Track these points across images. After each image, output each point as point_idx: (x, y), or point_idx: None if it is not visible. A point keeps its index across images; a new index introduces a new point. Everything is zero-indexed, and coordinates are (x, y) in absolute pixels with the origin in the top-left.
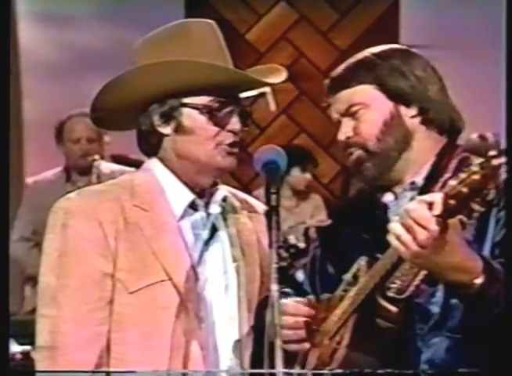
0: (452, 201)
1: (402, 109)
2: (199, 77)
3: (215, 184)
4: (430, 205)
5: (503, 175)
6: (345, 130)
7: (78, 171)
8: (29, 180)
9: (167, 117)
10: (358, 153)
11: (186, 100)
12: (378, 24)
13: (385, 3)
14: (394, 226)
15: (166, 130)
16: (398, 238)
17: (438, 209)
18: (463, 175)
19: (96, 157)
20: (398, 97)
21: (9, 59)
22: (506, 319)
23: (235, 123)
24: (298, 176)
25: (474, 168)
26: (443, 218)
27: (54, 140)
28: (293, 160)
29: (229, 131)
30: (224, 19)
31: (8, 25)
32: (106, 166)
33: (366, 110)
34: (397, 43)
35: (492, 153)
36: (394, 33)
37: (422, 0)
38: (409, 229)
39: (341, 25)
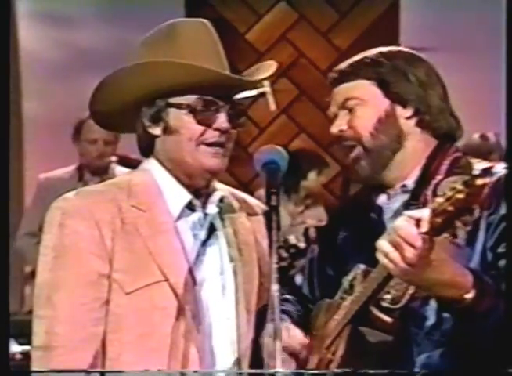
0: (438, 219)
1: (398, 109)
2: (178, 77)
3: (212, 184)
4: (418, 222)
5: (487, 194)
6: (339, 123)
7: (91, 171)
8: (41, 176)
9: (155, 119)
10: (356, 150)
11: (172, 100)
12: (378, 24)
13: (385, 3)
14: (382, 244)
15: (156, 131)
16: (386, 255)
17: (424, 227)
18: (449, 193)
19: (114, 158)
20: (395, 96)
21: (9, 59)
22: (505, 324)
23: (222, 121)
24: (315, 180)
25: (459, 187)
26: (430, 236)
27: (71, 138)
28: (310, 165)
29: (216, 129)
30: (224, 19)
31: (8, 25)
32: (119, 169)
33: (362, 106)
34: (397, 43)
35: (477, 172)
36: (394, 33)
37: (422, 0)
38: (396, 247)
39: (341, 25)
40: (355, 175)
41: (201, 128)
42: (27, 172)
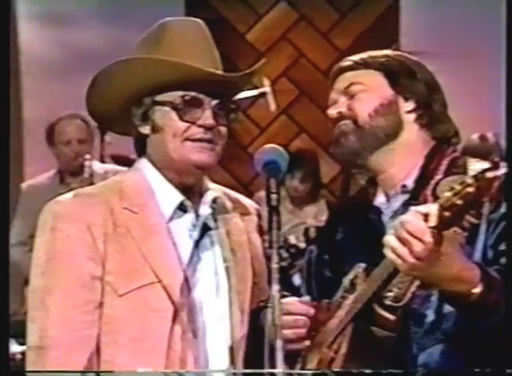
0: (447, 213)
1: (401, 100)
2: (158, 74)
3: (205, 184)
4: (426, 217)
5: (498, 187)
6: (338, 106)
7: (71, 173)
8: (23, 185)
9: (144, 117)
10: (346, 124)
11: (157, 98)
12: (378, 24)
13: (385, 3)
14: (390, 239)
15: (145, 130)
16: (393, 251)
17: (433, 221)
18: (457, 187)
19: (87, 156)
20: (400, 88)
21: (9, 59)
22: (506, 322)
23: (207, 118)
24: (292, 183)
25: (469, 181)
26: (438, 230)
27: (46, 143)
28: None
29: (200, 126)
30: (224, 19)
31: (8, 25)
32: (99, 166)
33: (365, 92)
34: (396, 43)
35: (487, 165)
36: (394, 33)
37: (422, 1)
38: (404, 242)
39: (341, 25)
40: (341, 148)
41: (185, 125)
42: (26, 173)
